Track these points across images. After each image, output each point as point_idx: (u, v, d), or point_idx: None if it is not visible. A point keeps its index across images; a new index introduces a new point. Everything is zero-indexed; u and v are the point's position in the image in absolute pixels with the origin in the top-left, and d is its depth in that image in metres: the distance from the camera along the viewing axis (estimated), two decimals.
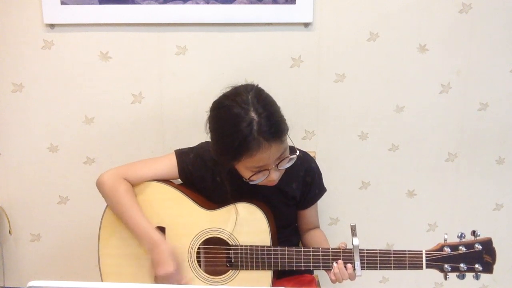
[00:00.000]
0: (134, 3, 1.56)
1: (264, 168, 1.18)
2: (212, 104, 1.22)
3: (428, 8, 1.58)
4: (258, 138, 1.12)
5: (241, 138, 1.12)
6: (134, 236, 1.27)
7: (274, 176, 1.20)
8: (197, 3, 1.56)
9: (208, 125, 1.22)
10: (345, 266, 1.21)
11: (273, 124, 1.14)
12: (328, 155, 1.69)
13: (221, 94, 1.22)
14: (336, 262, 1.22)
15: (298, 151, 1.23)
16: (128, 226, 1.27)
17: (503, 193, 1.75)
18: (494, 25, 1.60)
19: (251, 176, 1.19)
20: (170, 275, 1.22)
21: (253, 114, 1.13)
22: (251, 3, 1.55)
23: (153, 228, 1.26)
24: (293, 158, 1.22)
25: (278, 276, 1.34)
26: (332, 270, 1.22)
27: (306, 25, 1.59)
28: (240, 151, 1.13)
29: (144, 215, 1.27)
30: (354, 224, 1.19)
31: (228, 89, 1.22)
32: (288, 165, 1.22)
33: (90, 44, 1.61)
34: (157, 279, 1.24)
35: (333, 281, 1.23)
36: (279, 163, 1.19)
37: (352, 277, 1.22)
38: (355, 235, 1.19)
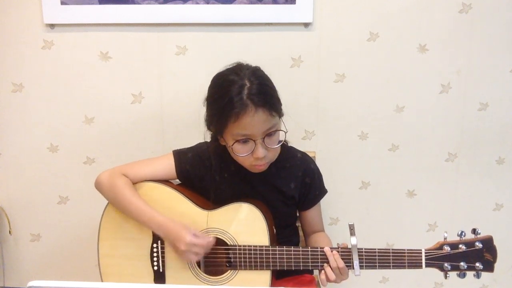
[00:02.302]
0: (134, 3, 1.56)
1: (249, 137, 1.18)
2: (214, 76, 1.26)
3: (428, 8, 1.58)
4: (245, 101, 1.14)
5: (229, 98, 1.15)
6: (144, 226, 1.26)
7: (260, 152, 1.19)
8: (197, 3, 1.56)
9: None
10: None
11: (264, 92, 1.17)
12: (328, 155, 1.69)
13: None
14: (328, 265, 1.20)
15: (287, 130, 1.23)
16: (133, 217, 1.26)
17: (503, 193, 1.75)
18: (494, 25, 1.60)
19: (234, 143, 1.19)
20: (191, 245, 1.19)
21: (246, 81, 1.17)
22: (251, 3, 1.55)
23: (158, 212, 1.24)
24: (281, 140, 1.23)
25: (278, 276, 1.34)
26: (324, 272, 1.20)
27: (306, 25, 1.59)
28: (226, 111, 1.15)
29: (147, 203, 1.26)
30: (352, 223, 1.18)
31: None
32: (276, 145, 1.22)
33: (90, 44, 1.61)
34: (184, 256, 1.21)
35: (323, 282, 1.20)
36: (265, 136, 1.19)
37: (341, 265, 1.19)
38: (354, 234, 1.18)
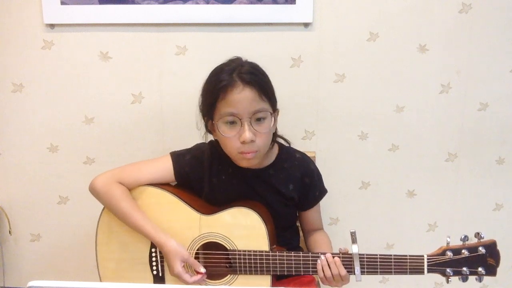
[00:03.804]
0: (134, 3, 1.56)
1: (236, 116, 1.17)
2: None
3: (428, 8, 1.58)
4: (234, 77, 1.17)
5: (219, 76, 1.18)
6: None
7: (247, 134, 1.17)
8: (197, 3, 1.56)
9: (207, 136, 1.27)
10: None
11: (254, 73, 1.19)
12: (328, 155, 1.69)
13: None
14: (324, 256, 1.20)
15: (278, 110, 1.25)
16: (131, 228, 1.26)
17: (503, 193, 1.75)
18: (494, 25, 1.60)
19: (220, 122, 1.19)
20: (178, 276, 1.21)
21: (239, 65, 1.20)
22: (251, 3, 1.55)
23: (156, 229, 1.24)
24: (268, 119, 1.20)
25: (278, 276, 1.33)
26: (320, 262, 1.20)
27: (306, 25, 1.59)
28: (215, 89, 1.17)
29: (145, 217, 1.25)
30: (354, 230, 1.17)
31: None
32: (264, 130, 1.20)
33: (90, 44, 1.61)
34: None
35: (322, 280, 1.21)
36: (254, 122, 1.18)
37: (343, 273, 1.18)
38: (355, 242, 1.17)
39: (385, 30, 1.60)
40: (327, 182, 1.42)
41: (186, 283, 1.21)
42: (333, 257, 1.20)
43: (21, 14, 1.58)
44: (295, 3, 1.55)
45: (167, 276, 1.28)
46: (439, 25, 1.60)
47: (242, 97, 1.16)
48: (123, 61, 1.63)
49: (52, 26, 1.59)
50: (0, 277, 1.80)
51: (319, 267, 1.20)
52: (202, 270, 1.23)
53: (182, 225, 1.26)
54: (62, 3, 1.55)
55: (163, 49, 1.62)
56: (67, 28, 1.59)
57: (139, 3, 1.56)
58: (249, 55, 1.60)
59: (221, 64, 1.25)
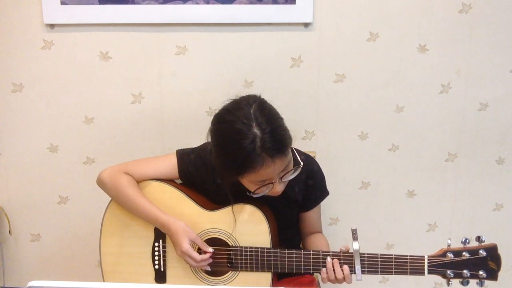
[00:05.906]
0: (134, 3, 1.56)
1: (268, 182, 1.17)
2: (214, 118, 1.19)
3: (428, 8, 1.58)
4: (261, 154, 1.10)
5: (245, 154, 1.10)
6: (148, 223, 1.28)
7: (278, 188, 1.19)
8: (197, 3, 1.56)
9: (210, 138, 1.20)
10: (342, 268, 1.20)
11: (277, 140, 1.12)
12: (328, 155, 1.69)
13: (221, 107, 1.19)
14: (331, 258, 1.20)
15: (302, 163, 1.20)
16: (137, 215, 1.28)
17: (503, 193, 1.75)
18: (494, 25, 1.60)
19: (255, 190, 1.18)
20: (185, 254, 1.22)
21: (256, 130, 1.10)
22: (251, 3, 1.55)
23: (162, 212, 1.25)
24: (297, 170, 1.20)
25: (279, 276, 1.34)
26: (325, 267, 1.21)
27: (306, 25, 1.59)
28: (244, 167, 1.12)
29: (150, 202, 1.27)
30: (355, 227, 1.17)
31: (229, 101, 1.19)
32: (292, 177, 1.20)
33: (90, 44, 1.61)
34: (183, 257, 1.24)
35: (324, 280, 1.21)
36: (283, 176, 1.18)
37: (348, 278, 1.20)
38: (356, 239, 1.18)
39: (385, 30, 1.60)
40: (327, 182, 1.41)
41: (194, 260, 1.22)
42: (333, 259, 1.20)
43: (21, 14, 1.58)
44: (295, 3, 1.55)
45: (169, 271, 1.30)
46: (439, 25, 1.60)
47: (274, 168, 1.13)
48: (123, 61, 1.63)
49: (52, 26, 1.59)
50: (0, 277, 1.80)
51: (323, 271, 1.21)
52: (210, 249, 1.24)
53: (185, 219, 1.27)
54: (62, 3, 1.55)
55: (163, 49, 1.62)
56: (67, 28, 1.59)
57: (139, 3, 1.56)
58: (249, 55, 1.61)
59: (230, 125, 1.13)
